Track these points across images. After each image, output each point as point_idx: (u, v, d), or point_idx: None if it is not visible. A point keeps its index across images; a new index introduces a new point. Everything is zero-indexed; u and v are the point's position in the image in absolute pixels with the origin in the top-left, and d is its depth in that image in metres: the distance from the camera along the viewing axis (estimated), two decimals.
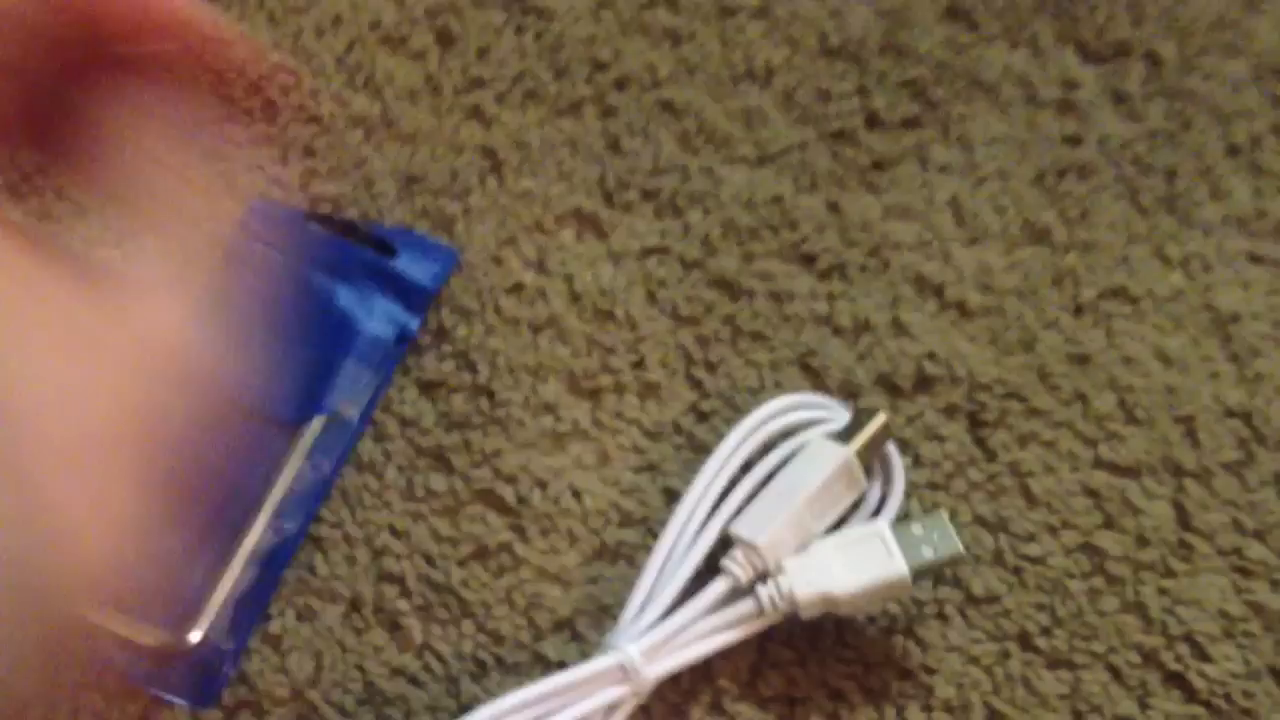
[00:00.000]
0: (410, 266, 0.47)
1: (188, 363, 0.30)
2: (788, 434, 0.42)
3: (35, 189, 0.49)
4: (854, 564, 0.40)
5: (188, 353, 0.29)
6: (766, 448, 0.42)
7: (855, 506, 0.42)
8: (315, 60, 0.51)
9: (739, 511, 0.41)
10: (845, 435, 0.42)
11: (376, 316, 0.46)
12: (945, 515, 0.40)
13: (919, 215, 0.49)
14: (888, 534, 0.40)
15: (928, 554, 0.40)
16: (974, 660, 0.41)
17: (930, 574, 0.41)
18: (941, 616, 0.42)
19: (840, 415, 0.43)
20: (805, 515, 0.40)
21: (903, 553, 0.40)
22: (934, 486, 0.44)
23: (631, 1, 0.53)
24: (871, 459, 0.41)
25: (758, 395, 0.46)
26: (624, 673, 0.38)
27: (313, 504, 0.43)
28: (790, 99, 0.51)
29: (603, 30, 0.52)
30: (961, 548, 0.40)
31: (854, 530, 0.41)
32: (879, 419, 0.41)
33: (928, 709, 0.41)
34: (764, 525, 0.40)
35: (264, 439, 0.44)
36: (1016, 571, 0.43)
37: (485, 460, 0.44)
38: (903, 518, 0.42)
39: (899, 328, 0.46)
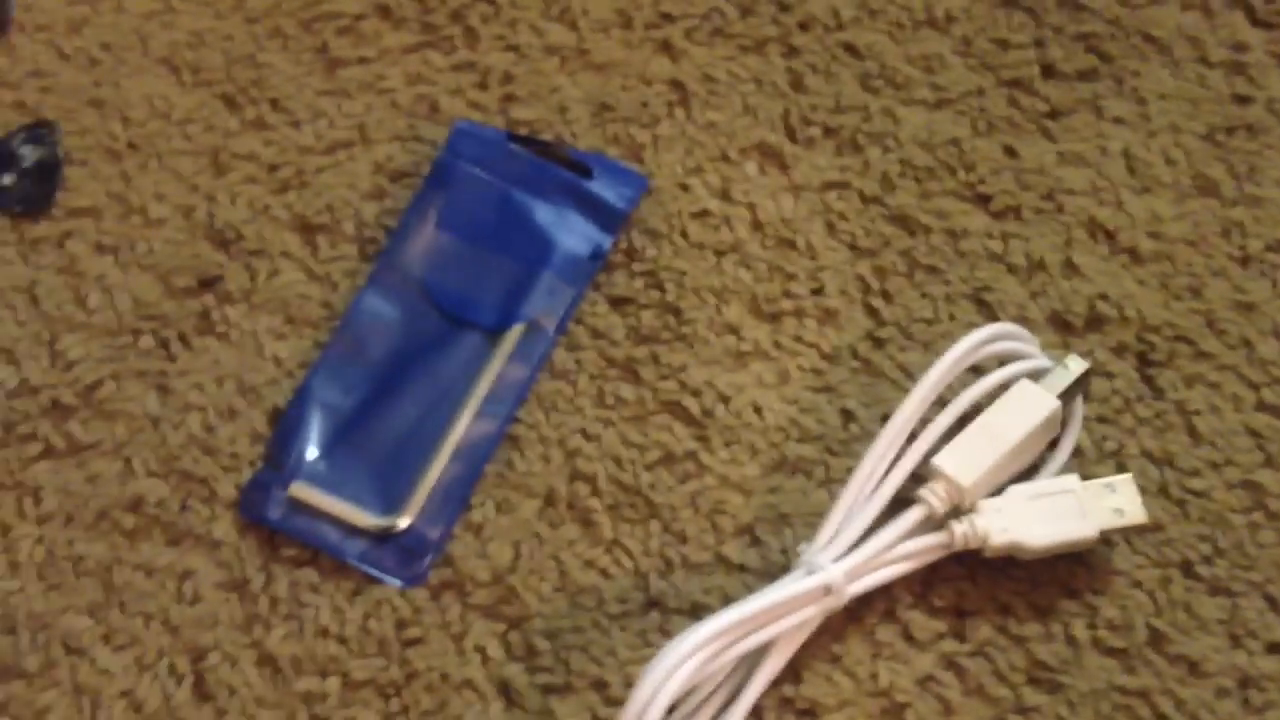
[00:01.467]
0: (604, 189, 0.49)
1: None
2: (991, 364, 0.44)
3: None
4: (1047, 517, 0.42)
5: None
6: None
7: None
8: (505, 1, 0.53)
9: (937, 444, 0.43)
10: (1052, 382, 0.43)
11: (572, 234, 0.49)
12: (1132, 479, 0.42)
13: (1092, 163, 0.50)
14: (1082, 492, 0.42)
15: (1116, 519, 0.42)
16: (1138, 584, 0.43)
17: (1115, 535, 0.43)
18: (1108, 543, 0.44)
19: (1036, 350, 0.44)
20: (1008, 461, 0.42)
21: (1093, 514, 0.42)
22: (1103, 420, 0.46)
23: None
24: (1069, 406, 0.43)
25: (933, 325, 0.48)
26: (827, 592, 0.41)
27: (511, 405, 0.46)
28: (968, 46, 0.53)
29: None
30: (1146, 516, 0.42)
31: (1049, 483, 0.43)
32: (1084, 369, 0.43)
33: (1092, 627, 0.43)
34: (970, 465, 0.42)
35: (469, 344, 0.47)
36: (1180, 504, 0.44)
37: (672, 374, 0.47)
38: (1076, 454, 0.44)
39: (1071, 268, 0.48)
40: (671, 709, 0.39)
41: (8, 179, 0.49)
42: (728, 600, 0.43)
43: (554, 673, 0.42)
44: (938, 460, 0.43)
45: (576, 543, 0.44)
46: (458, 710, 0.41)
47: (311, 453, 0.45)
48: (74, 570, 0.43)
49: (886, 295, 0.48)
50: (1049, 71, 0.52)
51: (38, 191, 0.49)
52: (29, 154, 0.49)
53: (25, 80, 0.51)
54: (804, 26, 0.53)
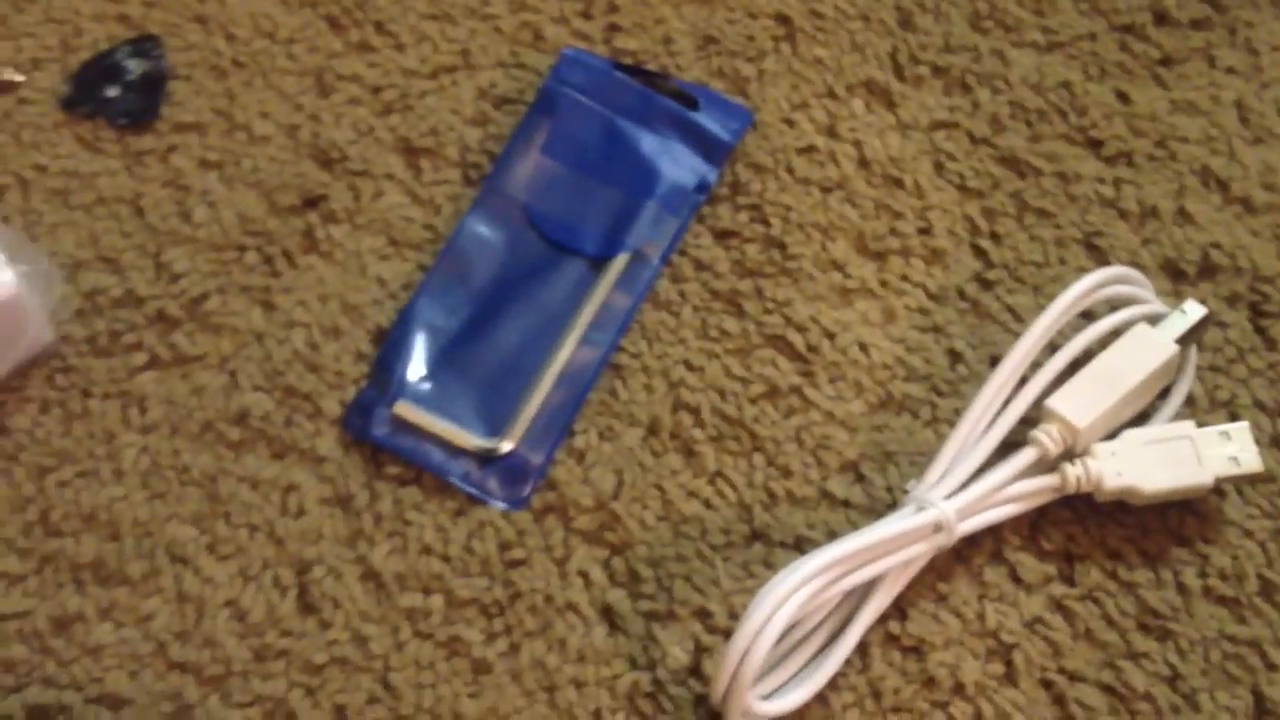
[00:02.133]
0: (710, 121, 0.49)
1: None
2: (1104, 307, 0.43)
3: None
4: (1162, 463, 0.42)
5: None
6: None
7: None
8: None
9: (1049, 387, 0.42)
10: (1169, 327, 0.43)
11: (677, 165, 0.48)
12: (1248, 428, 0.42)
13: (1205, 112, 0.50)
14: (1198, 439, 0.42)
15: (1232, 468, 0.41)
16: (1249, 534, 0.43)
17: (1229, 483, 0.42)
18: (1219, 492, 0.43)
19: (1152, 296, 0.44)
20: (1123, 405, 0.42)
21: (1209, 461, 0.41)
22: (1215, 370, 0.45)
23: None
24: (1184, 353, 0.43)
25: (1042, 269, 0.47)
26: (938, 529, 0.40)
27: (615, 334, 0.46)
28: None
29: None
30: (1262, 465, 0.41)
31: (1165, 428, 0.42)
32: (1202, 315, 0.42)
33: (1203, 575, 0.42)
34: (1086, 407, 0.41)
35: (572, 271, 0.47)
36: None
37: (776, 308, 0.46)
38: (1187, 403, 0.43)
39: (1184, 216, 0.48)
40: (778, 640, 0.38)
41: (113, 91, 0.49)
42: (832, 535, 0.43)
43: (656, 599, 0.42)
44: (1052, 402, 0.42)
45: (679, 472, 0.44)
46: (561, 632, 0.41)
47: (416, 373, 0.44)
48: (178, 480, 0.43)
49: (995, 237, 0.47)
50: (1162, 19, 0.51)
51: (142, 104, 0.48)
52: (134, 67, 0.49)
53: None
54: None
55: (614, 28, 0.51)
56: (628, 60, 0.50)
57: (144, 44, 0.50)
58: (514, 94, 0.50)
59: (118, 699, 0.39)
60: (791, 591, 0.39)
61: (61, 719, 0.39)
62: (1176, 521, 0.43)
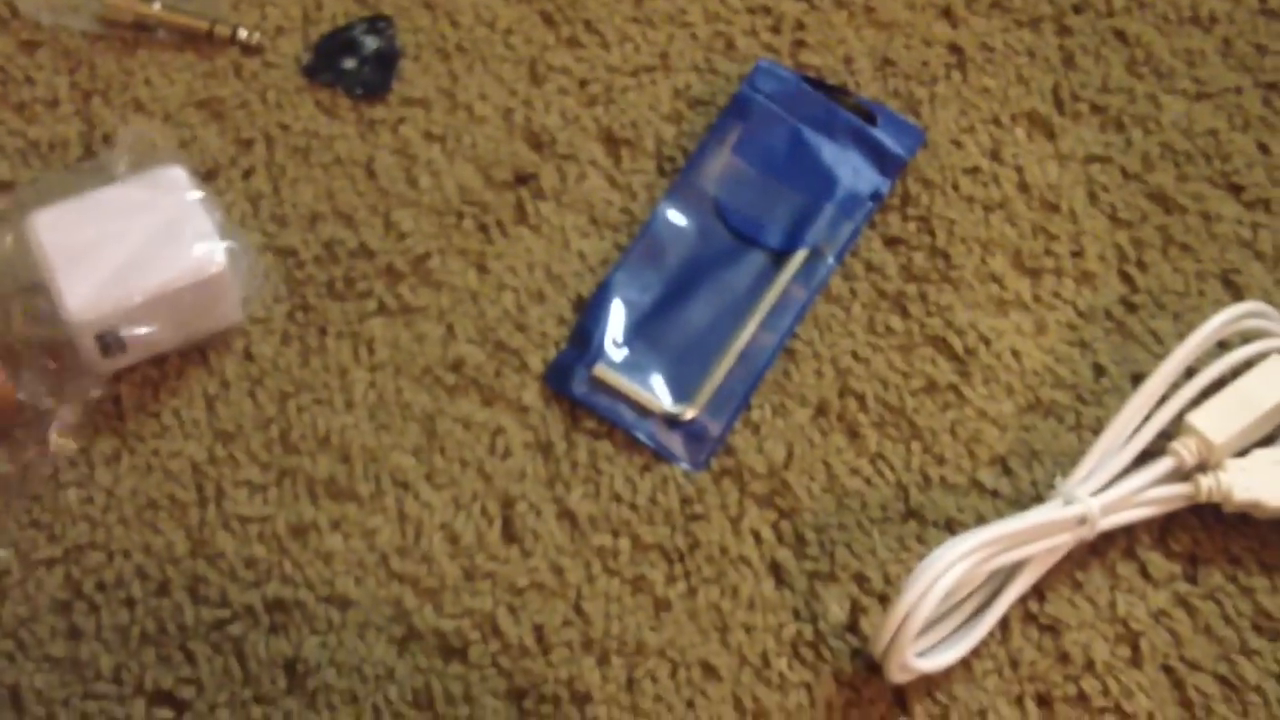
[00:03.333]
0: (886, 136, 0.53)
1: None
2: (1238, 338, 0.48)
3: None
4: None
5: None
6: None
7: None
8: None
9: (1186, 405, 0.47)
10: None
11: (855, 174, 0.53)
12: None
13: None
14: None
15: None
16: None
17: None
18: None
19: (1274, 334, 0.48)
20: (1255, 426, 0.46)
21: None
22: None
23: None
24: None
25: (1183, 298, 0.52)
26: (1082, 522, 0.45)
27: (791, 322, 0.50)
28: (1229, 46, 0.57)
29: None
30: None
31: None
32: None
33: None
34: (1223, 425, 0.46)
35: (755, 262, 0.51)
36: None
37: (938, 311, 0.51)
38: None
39: None
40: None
41: (350, 63, 0.54)
42: (980, 520, 0.47)
43: (819, 561, 0.46)
44: (1191, 418, 0.47)
45: (844, 451, 0.48)
46: (734, 581, 0.46)
47: (612, 340, 0.49)
48: (401, 415, 0.48)
49: (1141, 265, 0.52)
50: None
51: (376, 78, 0.54)
52: (369, 43, 0.54)
53: None
54: (1078, 9, 0.57)
55: (800, 44, 0.56)
56: (812, 74, 0.55)
57: (378, 23, 0.55)
58: (706, 96, 0.55)
59: (345, 600, 0.45)
60: (952, 563, 0.43)
61: (296, 613, 0.44)
62: None
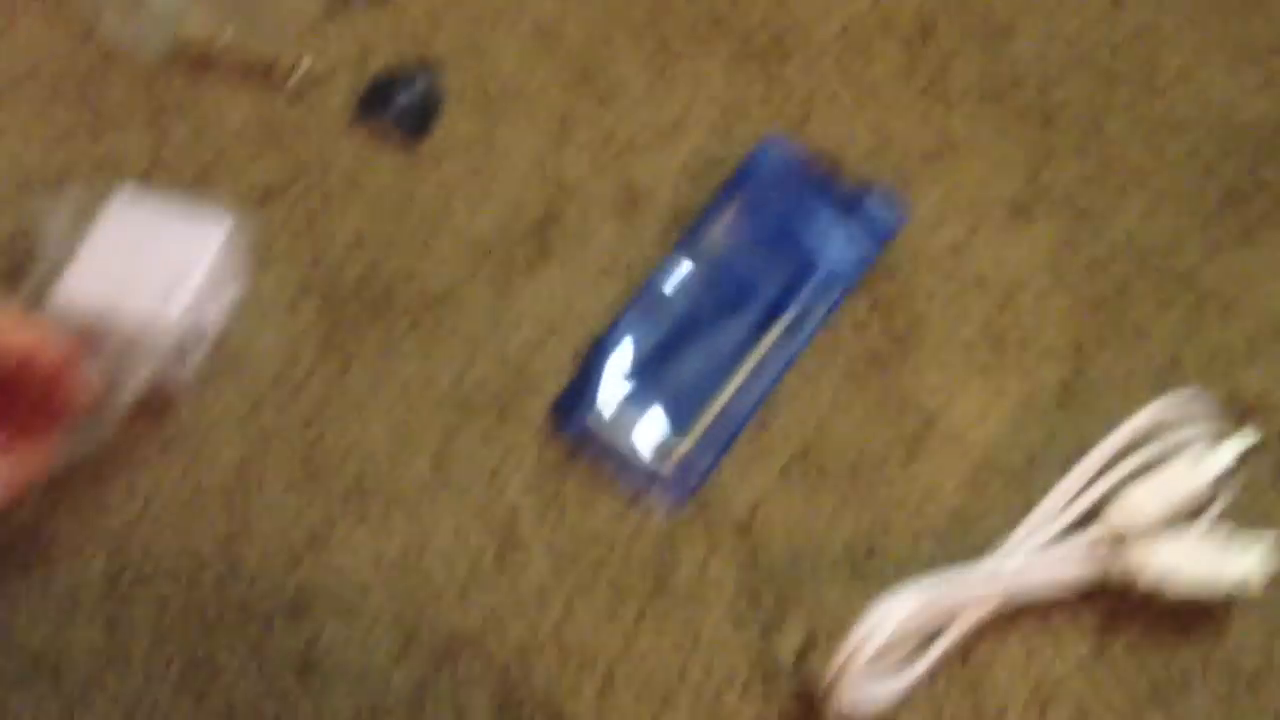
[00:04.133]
0: (875, 212, 0.59)
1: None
2: (1173, 424, 0.54)
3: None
4: (1194, 564, 0.52)
5: None
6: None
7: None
8: (820, 25, 0.63)
9: (1121, 483, 0.52)
10: (1223, 451, 0.53)
11: (844, 244, 0.59)
12: (1273, 543, 0.52)
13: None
14: (1229, 548, 0.52)
15: (1249, 575, 0.52)
16: (1247, 639, 0.53)
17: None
18: (1235, 599, 0.54)
19: (1212, 419, 0.54)
20: (1176, 508, 0.52)
21: (1231, 569, 0.51)
22: (1252, 489, 0.56)
23: (1079, 41, 0.64)
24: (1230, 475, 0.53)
25: (1129, 380, 0.57)
26: (1007, 587, 0.51)
27: (772, 379, 0.56)
28: (1196, 152, 0.62)
29: (1052, 58, 0.63)
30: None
31: (1202, 535, 0.52)
32: (1254, 442, 0.53)
33: (1204, 665, 0.53)
34: (1144, 506, 0.52)
35: (747, 319, 0.57)
36: None
37: (906, 377, 0.57)
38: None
39: (1252, 358, 0.58)
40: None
41: (398, 103, 0.59)
42: (929, 571, 0.53)
43: (775, 606, 0.53)
44: (1118, 497, 0.53)
45: (810, 499, 0.55)
46: (698, 618, 0.52)
47: (611, 385, 0.55)
48: (419, 434, 0.54)
49: (1094, 347, 0.58)
50: (1261, 187, 0.61)
51: (420, 119, 0.59)
52: (418, 85, 0.60)
53: (419, 22, 0.62)
54: (1061, 106, 0.63)
55: (806, 117, 0.62)
56: (814, 149, 0.61)
57: (428, 67, 0.60)
58: (718, 158, 0.61)
59: (351, 607, 0.51)
60: (891, 612, 0.49)
61: (310, 612, 0.50)
62: (1193, 617, 0.53)
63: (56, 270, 0.51)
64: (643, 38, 0.62)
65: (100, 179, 0.56)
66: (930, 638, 0.51)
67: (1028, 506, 0.53)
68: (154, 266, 0.51)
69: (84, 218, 0.52)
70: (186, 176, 0.57)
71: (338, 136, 0.58)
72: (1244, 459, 0.53)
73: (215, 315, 0.52)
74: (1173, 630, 0.52)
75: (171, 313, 0.50)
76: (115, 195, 0.52)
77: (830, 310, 0.57)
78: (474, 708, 0.49)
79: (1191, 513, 0.53)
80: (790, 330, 0.57)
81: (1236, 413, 0.56)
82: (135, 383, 0.49)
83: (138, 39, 0.59)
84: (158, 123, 0.58)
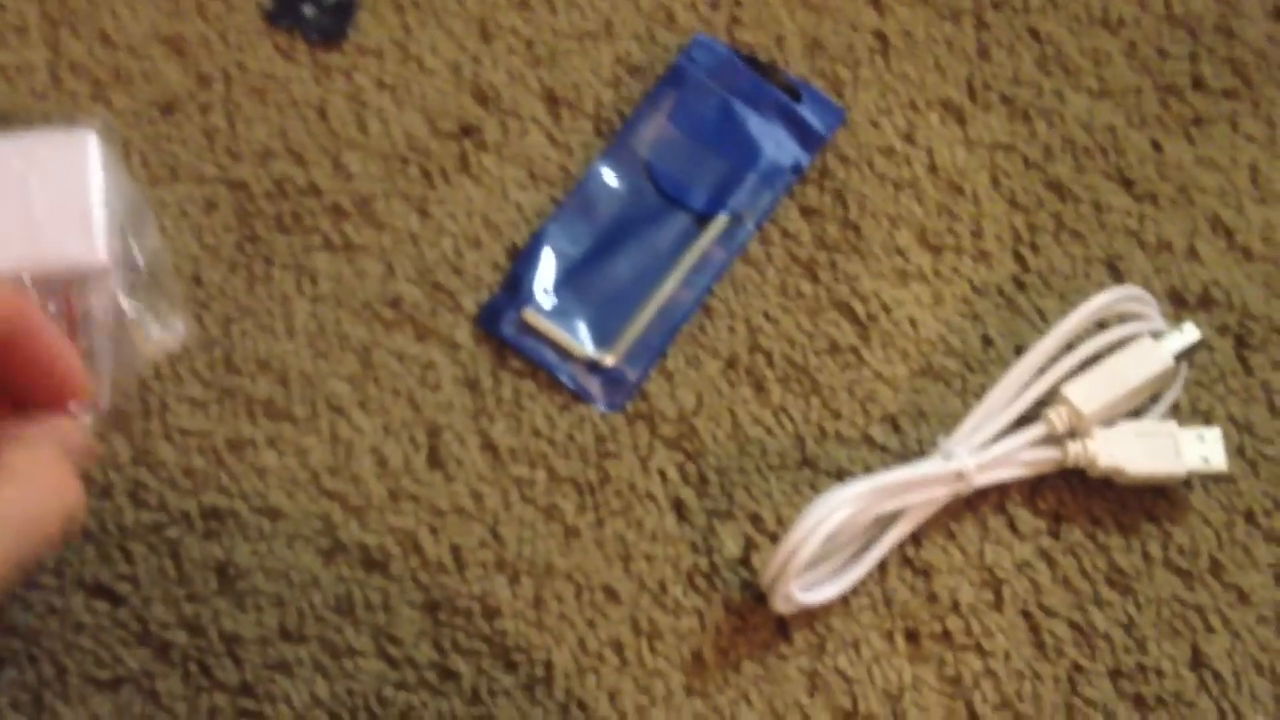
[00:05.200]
0: (809, 113, 0.57)
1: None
2: (1116, 319, 0.53)
3: None
4: (1147, 452, 0.51)
5: None
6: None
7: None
8: None
9: (1063, 377, 0.51)
10: (1168, 343, 0.52)
11: (778, 147, 0.57)
12: (1221, 435, 0.51)
13: (1224, 169, 0.59)
14: (1178, 437, 0.51)
15: (1202, 465, 0.51)
16: (1207, 522, 0.52)
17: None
18: (1188, 484, 0.53)
19: (1157, 315, 0.53)
20: (1122, 400, 0.51)
21: (1185, 456, 0.50)
22: (1199, 385, 0.54)
23: None
24: (1177, 366, 0.52)
25: (1069, 281, 0.56)
26: (959, 478, 0.49)
27: (709, 281, 0.54)
28: (1134, 49, 0.61)
29: None
30: (1227, 467, 0.50)
31: (1152, 424, 0.51)
32: (1197, 338, 0.52)
33: (1165, 548, 0.51)
34: (1093, 397, 0.50)
35: (679, 223, 0.55)
36: (1253, 464, 0.53)
37: (845, 279, 0.55)
38: (1174, 408, 0.53)
39: (1193, 254, 0.57)
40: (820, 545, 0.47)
41: (309, 10, 0.57)
42: (869, 471, 0.52)
43: (719, 501, 0.51)
44: (1065, 389, 0.51)
45: (749, 402, 0.53)
46: (639, 515, 0.50)
47: (542, 287, 0.53)
48: (339, 345, 0.52)
49: (1034, 247, 0.57)
50: (1198, 84, 0.60)
51: (333, 26, 0.57)
52: None
53: None
54: (996, 6, 0.61)
55: (735, 20, 0.60)
56: (745, 51, 0.59)
57: None
58: (644, 64, 0.59)
59: (276, 512, 0.48)
60: (838, 507, 0.48)
61: (230, 521, 0.48)
62: (1150, 503, 0.52)
63: None
64: None
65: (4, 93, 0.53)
66: (878, 534, 0.49)
67: (968, 409, 0.51)
68: (45, 207, 0.47)
69: None
70: (84, 91, 0.54)
71: (248, 44, 0.56)
72: (1185, 355, 0.51)
73: (131, 237, 0.49)
74: (1129, 514, 0.51)
75: (99, 249, 0.47)
76: None
77: (766, 213, 0.55)
78: (406, 611, 0.47)
79: (1137, 409, 0.52)
80: (726, 232, 0.55)
81: (1178, 309, 0.55)
82: (104, 334, 0.46)
83: None
84: (57, 32, 0.55)
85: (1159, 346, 0.52)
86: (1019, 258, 0.56)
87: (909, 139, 0.58)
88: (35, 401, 0.39)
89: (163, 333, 0.48)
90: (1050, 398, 0.51)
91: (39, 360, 0.38)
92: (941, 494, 0.50)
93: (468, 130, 0.56)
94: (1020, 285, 0.56)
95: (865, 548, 0.50)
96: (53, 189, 0.48)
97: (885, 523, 0.50)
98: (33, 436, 0.37)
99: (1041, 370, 0.52)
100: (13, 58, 0.55)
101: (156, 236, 0.50)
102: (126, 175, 0.51)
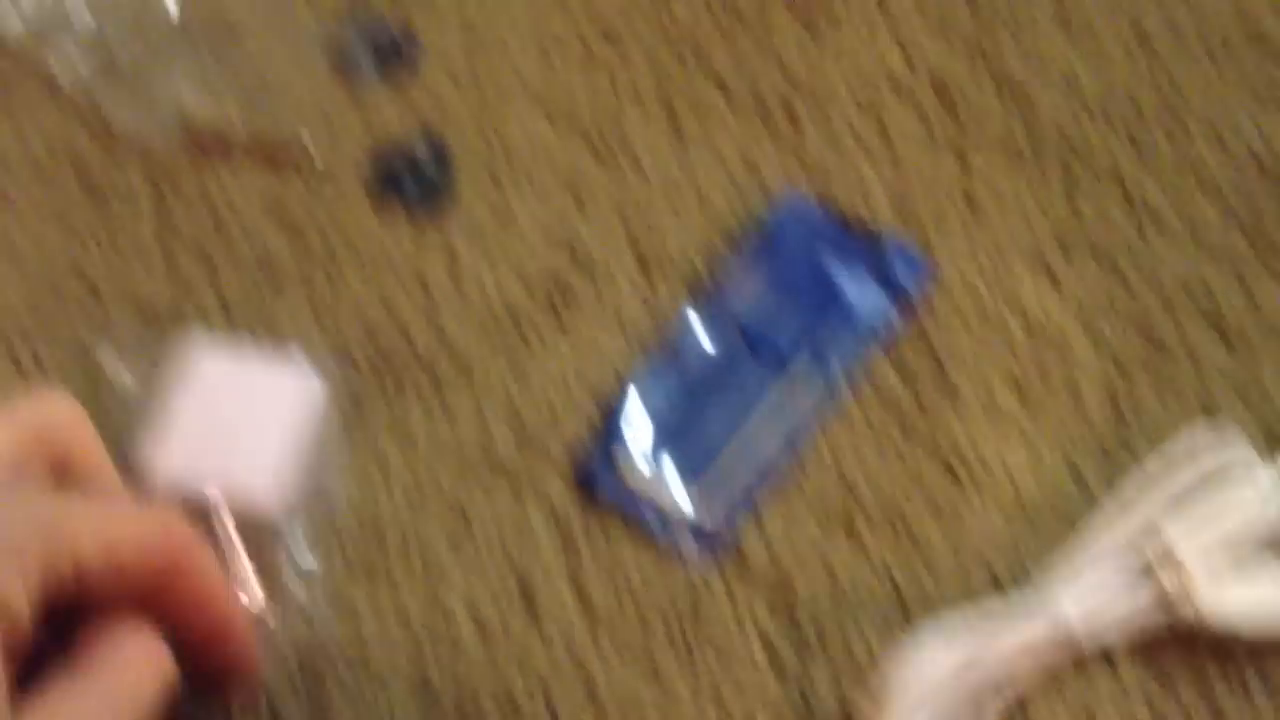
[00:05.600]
0: (899, 268, 0.58)
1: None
2: (1216, 465, 0.52)
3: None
4: (1259, 603, 0.49)
5: None
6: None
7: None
8: (834, 92, 0.63)
9: (1168, 523, 0.50)
10: (1270, 477, 0.51)
11: (867, 301, 0.57)
12: None
13: None
14: None
15: None
16: None
17: None
18: None
19: (1255, 459, 0.52)
20: (1232, 547, 0.50)
21: None
22: None
23: (1103, 101, 0.63)
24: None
25: (1167, 430, 0.55)
26: (1062, 634, 0.48)
27: (802, 434, 0.55)
28: (1222, 197, 0.61)
29: (1076, 118, 0.63)
30: None
31: (1268, 569, 0.50)
32: None
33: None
34: (1197, 545, 0.49)
35: (771, 376, 0.56)
36: None
37: (941, 433, 0.55)
38: None
39: None
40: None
41: (409, 182, 0.59)
42: (968, 626, 0.51)
43: (814, 653, 0.50)
44: (1169, 537, 0.50)
45: (844, 553, 0.52)
46: (736, 672, 0.49)
47: (636, 444, 0.54)
48: (436, 504, 0.52)
49: (1131, 398, 0.56)
50: None
51: (432, 195, 0.59)
52: (428, 164, 0.59)
53: (427, 102, 0.62)
54: (1085, 164, 0.62)
55: (823, 177, 0.61)
56: (833, 207, 0.60)
57: (436, 142, 0.60)
58: (734, 223, 0.60)
59: (373, 671, 0.49)
60: (935, 663, 0.47)
61: (328, 678, 0.48)
62: (1272, 662, 0.51)
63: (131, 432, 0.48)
64: (651, 106, 0.61)
65: (136, 312, 0.55)
66: (978, 688, 0.48)
67: (1071, 561, 0.50)
68: (249, 436, 0.48)
69: (143, 359, 0.50)
70: (193, 260, 0.56)
71: (348, 217, 0.58)
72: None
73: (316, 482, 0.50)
74: (1244, 669, 0.49)
75: (278, 499, 0.48)
76: (189, 347, 0.49)
77: (856, 365, 0.55)
78: None
79: (1240, 545, 0.51)
80: (816, 385, 0.55)
81: (1271, 445, 0.54)
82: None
83: (145, 122, 0.59)
84: (163, 209, 0.57)
85: (1265, 488, 0.51)
86: (1116, 409, 0.56)
87: (1000, 293, 0.58)
88: (191, 640, 0.40)
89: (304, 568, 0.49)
90: (1154, 546, 0.50)
91: (195, 601, 0.39)
92: (1044, 650, 0.48)
93: (561, 290, 0.57)
94: (1118, 436, 0.55)
95: (965, 706, 0.49)
96: (262, 424, 0.49)
97: (983, 679, 0.49)
98: (119, 637, 0.37)
99: (1142, 518, 0.51)
100: (125, 226, 0.57)
101: (340, 493, 0.52)
102: (339, 429, 0.52)
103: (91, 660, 0.35)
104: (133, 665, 0.36)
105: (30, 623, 0.33)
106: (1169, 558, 0.49)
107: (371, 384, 0.54)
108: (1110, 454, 0.54)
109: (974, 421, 0.55)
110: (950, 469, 0.54)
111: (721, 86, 0.62)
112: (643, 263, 0.58)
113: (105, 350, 0.53)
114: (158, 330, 0.56)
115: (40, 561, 0.33)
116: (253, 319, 0.56)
